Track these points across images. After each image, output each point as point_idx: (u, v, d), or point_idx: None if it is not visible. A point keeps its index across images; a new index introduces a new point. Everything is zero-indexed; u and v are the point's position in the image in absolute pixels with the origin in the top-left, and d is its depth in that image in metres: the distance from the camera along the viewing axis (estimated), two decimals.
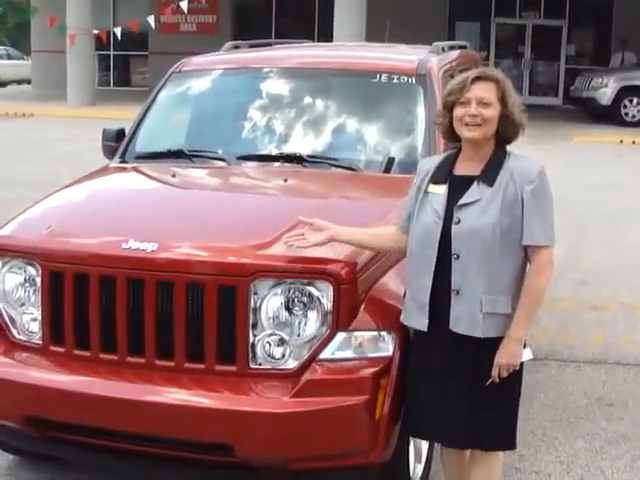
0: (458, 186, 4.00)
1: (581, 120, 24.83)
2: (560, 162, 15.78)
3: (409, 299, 4.12)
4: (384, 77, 5.93)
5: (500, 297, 3.93)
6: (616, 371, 6.89)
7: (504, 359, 3.94)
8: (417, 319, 4.06)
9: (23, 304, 4.52)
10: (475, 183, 3.96)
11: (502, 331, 3.95)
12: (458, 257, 3.92)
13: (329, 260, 4.17)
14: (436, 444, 4.67)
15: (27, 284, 4.50)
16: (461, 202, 3.95)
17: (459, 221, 3.93)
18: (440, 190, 4.03)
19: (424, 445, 4.83)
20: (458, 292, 3.94)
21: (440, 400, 4.07)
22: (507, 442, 4.21)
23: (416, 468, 4.74)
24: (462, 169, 4.05)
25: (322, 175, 5.53)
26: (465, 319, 3.93)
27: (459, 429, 4.10)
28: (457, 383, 4.03)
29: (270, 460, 4.12)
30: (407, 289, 4.15)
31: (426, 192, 4.07)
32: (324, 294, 4.11)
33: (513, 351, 3.94)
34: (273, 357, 4.17)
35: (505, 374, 3.96)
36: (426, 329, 4.02)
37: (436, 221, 3.97)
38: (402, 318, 4.17)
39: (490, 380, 3.97)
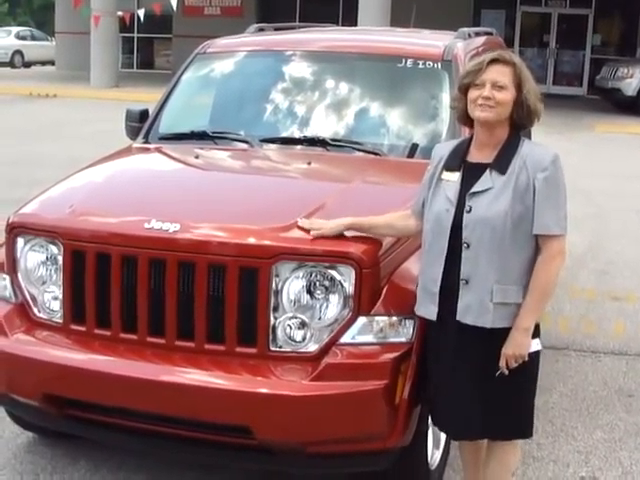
0: (471, 173, 3.95)
1: (605, 110, 24.68)
2: (583, 152, 15.71)
3: (420, 288, 4.09)
4: (410, 62, 5.90)
5: (511, 287, 3.88)
6: (637, 362, 6.86)
7: (511, 349, 3.89)
8: (427, 308, 4.03)
9: (44, 282, 4.53)
10: (487, 171, 3.92)
11: (513, 321, 3.91)
12: (468, 246, 3.88)
13: (352, 244, 4.16)
14: None
15: (49, 263, 4.51)
16: (473, 190, 3.90)
17: (470, 209, 3.88)
18: (454, 177, 3.99)
19: None
20: (467, 282, 3.89)
21: (450, 391, 4.06)
22: (519, 432, 4.18)
23: (434, 454, 4.73)
24: (475, 156, 4.01)
25: (345, 159, 5.51)
26: (474, 309, 3.89)
27: (467, 421, 4.08)
28: (467, 374, 4.01)
29: (288, 443, 4.11)
30: (419, 278, 4.13)
31: (440, 179, 4.04)
32: (346, 278, 4.09)
33: (520, 341, 3.89)
34: (293, 340, 4.16)
35: (514, 365, 3.91)
36: (435, 318, 4.00)
37: (448, 209, 3.94)
38: (415, 307, 4.14)
39: (499, 372, 3.93)
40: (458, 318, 3.92)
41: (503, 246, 3.84)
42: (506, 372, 3.91)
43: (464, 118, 4.07)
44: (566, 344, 7.04)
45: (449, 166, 4.03)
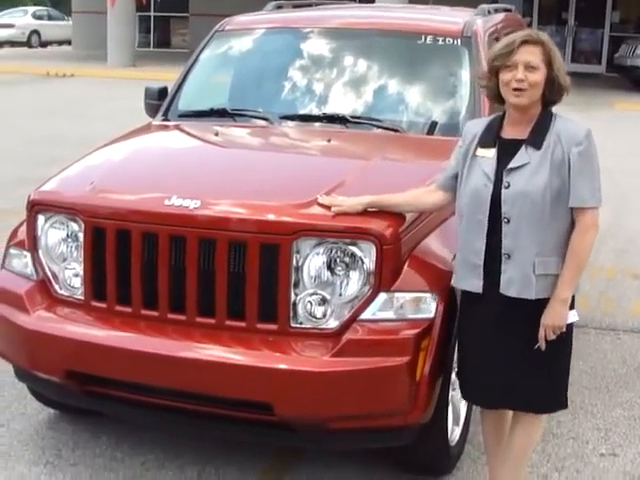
0: (507, 149, 3.98)
1: (624, 88, 24.53)
2: (602, 130, 15.48)
3: (460, 262, 4.10)
4: (429, 39, 5.88)
5: (552, 258, 3.92)
6: None
7: (550, 320, 3.93)
8: (470, 282, 4.04)
9: (65, 259, 4.55)
10: (523, 147, 3.94)
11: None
12: (508, 221, 3.91)
13: (372, 220, 4.15)
14: (474, 407, 4.67)
15: (69, 240, 4.53)
16: (510, 166, 3.93)
17: (509, 185, 3.91)
18: (489, 153, 4.00)
19: (462, 408, 4.83)
20: (509, 256, 3.92)
21: (488, 361, 4.07)
22: (557, 402, 4.22)
23: (454, 431, 4.74)
24: (510, 132, 4.03)
25: (365, 136, 5.51)
26: (517, 282, 3.93)
27: (504, 391, 4.09)
28: (507, 344, 4.02)
29: (309, 419, 4.12)
30: (458, 252, 4.13)
31: (475, 155, 4.05)
32: (367, 254, 4.10)
33: (559, 312, 3.93)
34: (314, 316, 4.16)
35: (552, 336, 3.95)
36: (481, 291, 4.01)
37: (486, 184, 3.95)
38: (453, 281, 4.16)
39: (538, 344, 3.96)
40: (502, 291, 3.95)
41: (543, 219, 3.88)
42: (544, 344, 3.95)
43: (496, 97, 4.08)
44: (585, 322, 7.01)
45: (484, 143, 4.05)
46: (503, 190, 3.91)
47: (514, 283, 3.93)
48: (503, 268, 3.94)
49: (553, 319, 3.93)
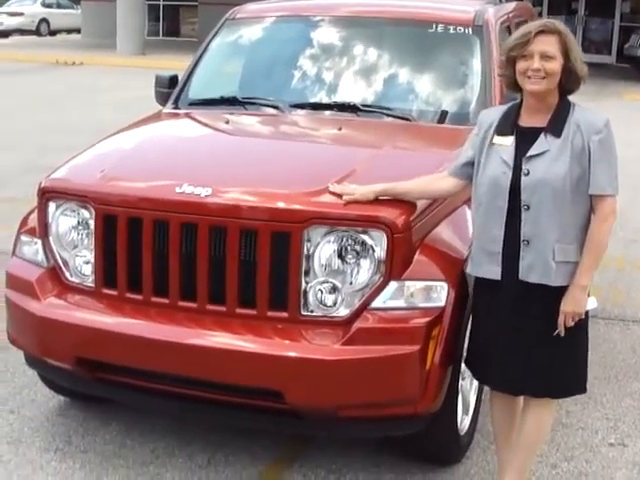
0: (525, 137, 3.98)
1: (634, 78, 24.49)
2: (611, 120, 15.55)
3: (477, 249, 4.10)
4: (440, 27, 5.88)
5: (571, 245, 3.94)
6: None
7: (570, 307, 3.95)
8: (488, 269, 4.05)
9: (76, 247, 4.55)
10: (542, 134, 3.95)
11: (572, 279, 3.97)
12: (528, 208, 3.92)
13: (383, 209, 4.15)
14: (484, 396, 4.68)
15: (80, 227, 4.53)
16: (530, 153, 3.93)
17: (528, 172, 3.91)
18: (507, 141, 4.01)
19: (472, 397, 4.84)
20: (528, 242, 3.93)
21: (505, 347, 4.07)
22: (575, 388, 4.24)
23: (463, 420, 4.74)
24: (528, 120, 4.03)
25: (376, 124, 5.50)
26: (537, 268, 3.94)
27: (523, 377, 4.09)
28: (525, 331, 4.03)
29: (319, 407, 4.12)
30: (475, 240, 4.13)
31: (492, 143, 4.05)
32: (377, 243, 4.09)
33: (578, 298, 3.95)
34: (325, 304, 4.17)
35: (571, 322, 3.97)
36: (499, 278, 4.02)
37: (505, 172, 3.96)
38: (469, 269, 4.17)
39: (557, 331, 3.97)
40: (521, 277, 3.97)
41: (563, 207, 3.90)
42: (563, 330, 3.97)
43: (513, 86, 4.09)
44: (595, 313, 6.97)
45: (501, 130, 4.05)
46: (523, 177, 3.92)
47: (534, 269, 3.94)
48: (522, 255, 3.95)
49: (573, 306, 3.94)
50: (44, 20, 41.99)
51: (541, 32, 3.92)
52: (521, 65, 3.95)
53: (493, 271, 4.04)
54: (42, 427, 5.07)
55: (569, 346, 4.07)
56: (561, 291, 3.96)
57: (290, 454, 4.86)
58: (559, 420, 5.27)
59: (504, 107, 4.19)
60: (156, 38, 35.15)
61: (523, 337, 4.04)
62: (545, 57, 3.89)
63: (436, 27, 5.88)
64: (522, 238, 3.94)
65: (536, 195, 3.90)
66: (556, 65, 3.90)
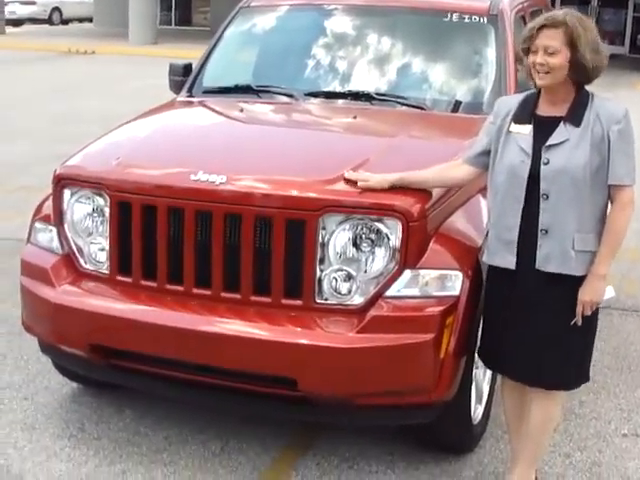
0: (543, 126, 3.97)
1: None
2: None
3: (494, 238, 4.09)
4: (455, 16, 5.87)
5: (590, 235, 3.93)
6: None
7: (588, 296, 3.94)
8: (503, 258, 4.04)
9: (91, 234, 4.56)
10: (562, 123, 3.93)
11: (590, 268, 3.96)
12: (547, 197, 3.90)
13: (398, 197, 4.14)
14: (497, 385, 4.68)
15: (95, 214, 4.54)
16: (549, 142, 3.91)
17: (548, 161, 3.90)
18: (525, 130, 4.00)
19: (485, 386, 4.84)
20: (547, 231, 3.92)
21: (520, 337, 4.07)
22: (584, 376, 4.22)
23: (477, 409, 4.74)
24: (546, 110, 4.01)
25: (390, 113, 5.49)
26: (556, 258, 3.93)
27: (539, 365, 4.09)
28: (538, 320, 4.02)
29: (333, 395, 4.13)
30: (490, 228, 4.12)
31: (509, 132, 4.04)
32: (392, 231, 4.09)
33: (596, 287, 3.94)
34: (339, 292, 4.17)
35: (589, 312, 3.96)
36: (514, 267, 4.01)
37: (524, 160, 3.95)
38: (485, 258, 4.16)
39: (574, 320, 3.96)
40: (538, 267, 3.96)
41: (582, 196, 3.89)
42: (581, 320, 3.97)
43: (531, 77, 4.06)
44: (608, 303, 6.98)
45: (519, 119, 4.04)
46: (542, 166, 3.91)
47: (552, 259, 3.93)
48: (539, 244, 3.94)
49: (591, 295, 3.94)
50: (56, 9, 42.05)
51: (544, 27, 3.90)
52: (530, 59, 3.95)
53: (508, 260, 4.04)
54: (56, 414, 5.09)
55: (583, 335, 4.07)
56: (577, 280, 3.95)
57: (303, 442, 4.87)
58: (572, 410, 5.27)
59: (521, 95, 4.18)
60: (168, 27, 35.16)
61: (537, 327, 4.03)
62: (548, 52, 3.87)
63: (451, 16, 5.87)
64: (540, 227, 3.93)
65: (555, 184, 3.88)
66: (559, 59, 3.87)
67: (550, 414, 4.27)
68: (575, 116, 3.92)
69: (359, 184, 4.15)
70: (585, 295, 3.94)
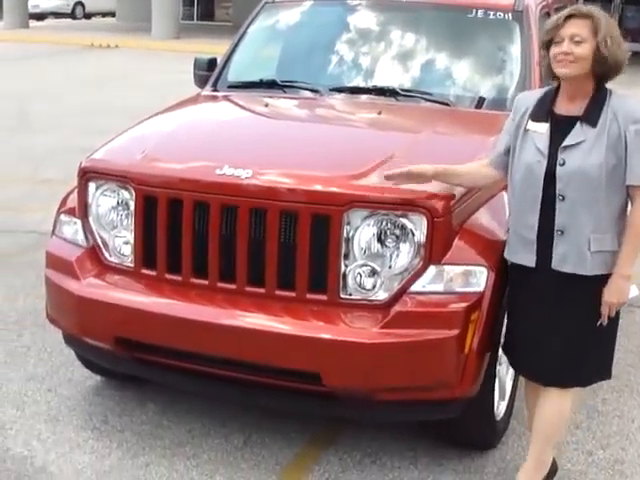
0: (560, 126, 3.93)
1: None
2: None
3: (513, 235, 4.09)
4: (480, 12, 5.86)
5: (607, 235, 3.90)
6: None
7: (614, 297, 3.92)
8: (523, 256, 4.03)
9: (116, 227, 4.57)
10: (578, 124, 3.90)
11: (609, 268, 3.92)
12: (563, 198, 3.88)
13: (423, 192, 4.13)
14: (520, 382, 4.67)
15: (120, 208, 4.55)
16: (565, 143, 3.88)
17: (564, 162, 3.87)
18: (542, 128, 3.97)
19: (508, 382, 4.84)
20: (562, 232, 3.90)
21: (541, 336, 4.06)
22: (606, 373, 4.22)
23: (500, 405, 4.73)
24: (563, 108, 3.98)
25: (415, 109, 5.49)
26: (572, 258, 3.91)
27: (560, 365, 4.08)
28: (557, 319, 4.01)
29: (357, 390, 4.13)
30: (510, 225, 4.12)
31: (526, 130, 4.02)
32: (417, 227, 4.08)
33: (622, 288, 3.91)
34: (364, 288, 4.17)
35: (614, 313, 3.95)
36: (534, 265, 4.00)
37: (540, 160, 3.92)
38: (505, 253, 4.15)
39: (600, 321, 3.95)
40: (554, 267, 3.94)
41: (598, 197, 3.85)
42: (606, 320, 3.95)
43: (550, 73, 4.04)
44: (630, 301, 6.96)
45: (536, 117, 4.01)
46: (558, 167, 3.88)
47: (568, 259, 3.91)
48: (555, 244, 3.92)
49: (617, 296, 3.91)
50: (79, 3, 42.24)
51: (571, 16, 3.88)
52: (553, 50, 3.90)
53: (528, 258, 4.02)
54: (79, 406, 5.11)
55: (603, 334, 4.05)
56: (595, 279, 3.92)
57: (326, 437, 4.87)
58: (595, 408, 5.26)
59: (539, 92, 4.15)
60: (190, 22, 35.22)
61: (557, 326, 4.02)
62: (574, 41, 3.84)
63: (476, 12, 5.86)
64: (556, 228, 3.91)
65: (571, 185, 3.85)
66: (585, 49, 3.83)
67: (563, 411, 4.25)
68: (591, 116, 3.88)
69: (398, 170, 4.09)
70: (611, 296, 3.91)
